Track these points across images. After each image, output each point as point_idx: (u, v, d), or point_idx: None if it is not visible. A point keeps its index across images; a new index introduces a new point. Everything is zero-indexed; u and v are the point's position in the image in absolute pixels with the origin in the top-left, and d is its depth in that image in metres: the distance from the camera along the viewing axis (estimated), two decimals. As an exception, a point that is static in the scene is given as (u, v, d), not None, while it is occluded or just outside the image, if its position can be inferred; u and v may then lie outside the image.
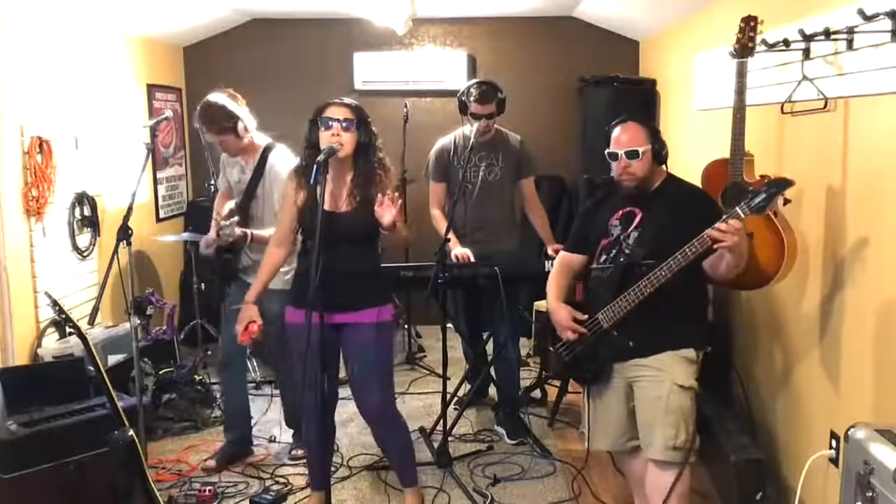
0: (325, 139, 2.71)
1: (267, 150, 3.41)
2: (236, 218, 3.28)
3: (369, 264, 2.91)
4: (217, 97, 3.31)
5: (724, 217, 2.23)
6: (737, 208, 2.22)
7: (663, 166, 2.62)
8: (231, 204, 3.52)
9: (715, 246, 2.26)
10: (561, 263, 2.84)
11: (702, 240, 2.29)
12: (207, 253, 3.51)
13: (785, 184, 2.20)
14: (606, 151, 2.58)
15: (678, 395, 2.46)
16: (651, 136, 2.54)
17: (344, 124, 2.72)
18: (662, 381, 2.49)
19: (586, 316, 2.63)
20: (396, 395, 3.79)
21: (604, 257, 2.64)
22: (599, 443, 2.74)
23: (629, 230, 2.58)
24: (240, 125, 3.29)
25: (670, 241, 2.38)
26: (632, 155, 2.51)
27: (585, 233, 2.77)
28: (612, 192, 2.69)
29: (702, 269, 2.45)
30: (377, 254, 2.96)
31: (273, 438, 3.85)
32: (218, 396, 4.18)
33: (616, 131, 2.57)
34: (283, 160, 3.37)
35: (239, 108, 3.32)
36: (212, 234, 3.44)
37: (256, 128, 3.42)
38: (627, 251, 2.55)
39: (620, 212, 2.62)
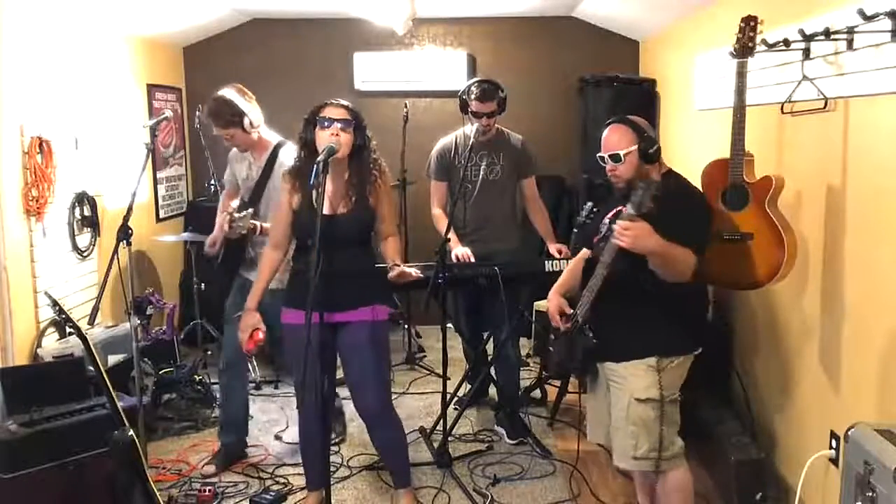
0: (323, 139, 2.70)
1: (277, 148, 3.44)
2: (251, 210, 3.28)
3: (365, 264, 2.90)
4: (226, 92, 3.35)
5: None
6: (626, 208, 2.27)
7: (657, 164, 2.52)
8: (237, 202, 3.54)
9: (617, 244, 2.30)
10: (576, 259, 2.84)
11: (611, 242, 2.34)
12: (211, 252, 3.53)
13: (651, 183, 2.27)
14: (598, 154, 2.58)
15: (637, 408, 2.46)
16: (637, 136, 2.49)
17: (342, 125, 2.73)
18: (623, 392, 2.50)
19: (571, 311, 2.64)
20: (396, 395, 3.80)
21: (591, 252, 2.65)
22: (593, 435, 2.77)
23: (610, 229, 2.53)
24: (245, 121, 3.31)
25: None
26: (615, 158, 2.50)
27: (592, 230, 2.77)
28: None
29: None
30: (373, 253, 2.97)
31: (278, 437, 3.86)
32: (217, 398, 4.20)
33: (604, 133, 2.56)
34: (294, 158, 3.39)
35: (246, 103, 3.35)
36: (217, 232, 3.47)
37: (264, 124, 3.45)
38: (594, 250, 2.56)
39: (614, 210, 2.61)
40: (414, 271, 2.88)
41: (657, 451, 2.47)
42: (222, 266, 3.55)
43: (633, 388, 2.47)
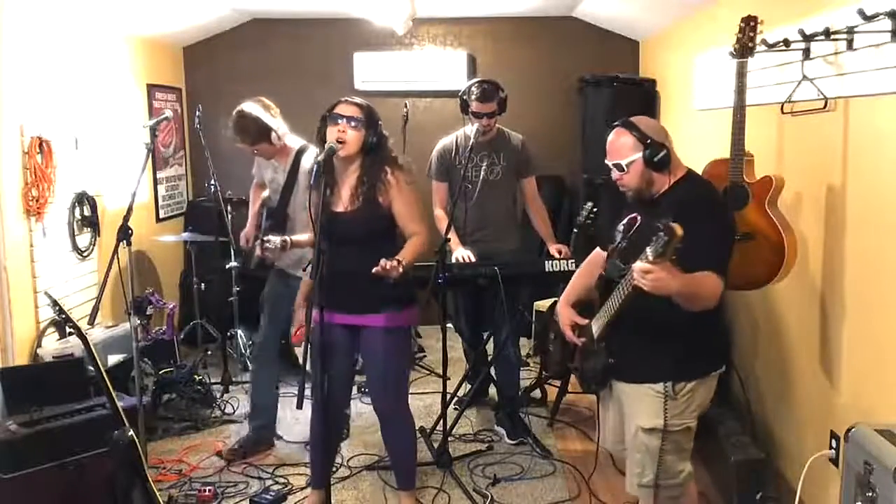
0: (331, 135, 2.72)
1: (300, 153, 3.49)
2: (277, 239, 3.23)
3: (374, 265, 2.80)
4: (251, 108, 3.42)
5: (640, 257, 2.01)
6: (646, 250, 1.97)
7: (666, 172, 2.31)
8: (265, 193, 3.73)
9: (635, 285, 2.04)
10: (588, 261, 2.70)
11: (628, 279, 2.11)
12: (246, 248, 3.75)
13: (673, 233, 1.90)
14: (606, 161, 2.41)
15: (642, 436, 2.37)
16: (641, 143, 2.28)
17: (352, 123, 2.74)
18: (631, 417, 2.42)
19: (586, 321, 2.50)
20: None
21: (605, 264, 2.47)
22: (604, 440, 2.71)
23: (623, 240, 2.40)
24: (273, 136, 3.41)
25: None
26: (618, 168, 2.34)
27: (609, 232, 2.58)
28: None
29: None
30: (390, 255, 2.84)
31: (279, 436, 3.85)
32: (217, 398, 4.20)
33: (608, 138, 2.38)
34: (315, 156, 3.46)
35: (271, 117, 3.43)
36: (249, 228, 3.74)
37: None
38: (608, 266, 2.39)
39: (627, 217, 2.45)
40: (394, 274, 2.61)
41: (658, 481, 2.39)
42: (257, 268, 3.74)
43: (639, 414, 2.38)
